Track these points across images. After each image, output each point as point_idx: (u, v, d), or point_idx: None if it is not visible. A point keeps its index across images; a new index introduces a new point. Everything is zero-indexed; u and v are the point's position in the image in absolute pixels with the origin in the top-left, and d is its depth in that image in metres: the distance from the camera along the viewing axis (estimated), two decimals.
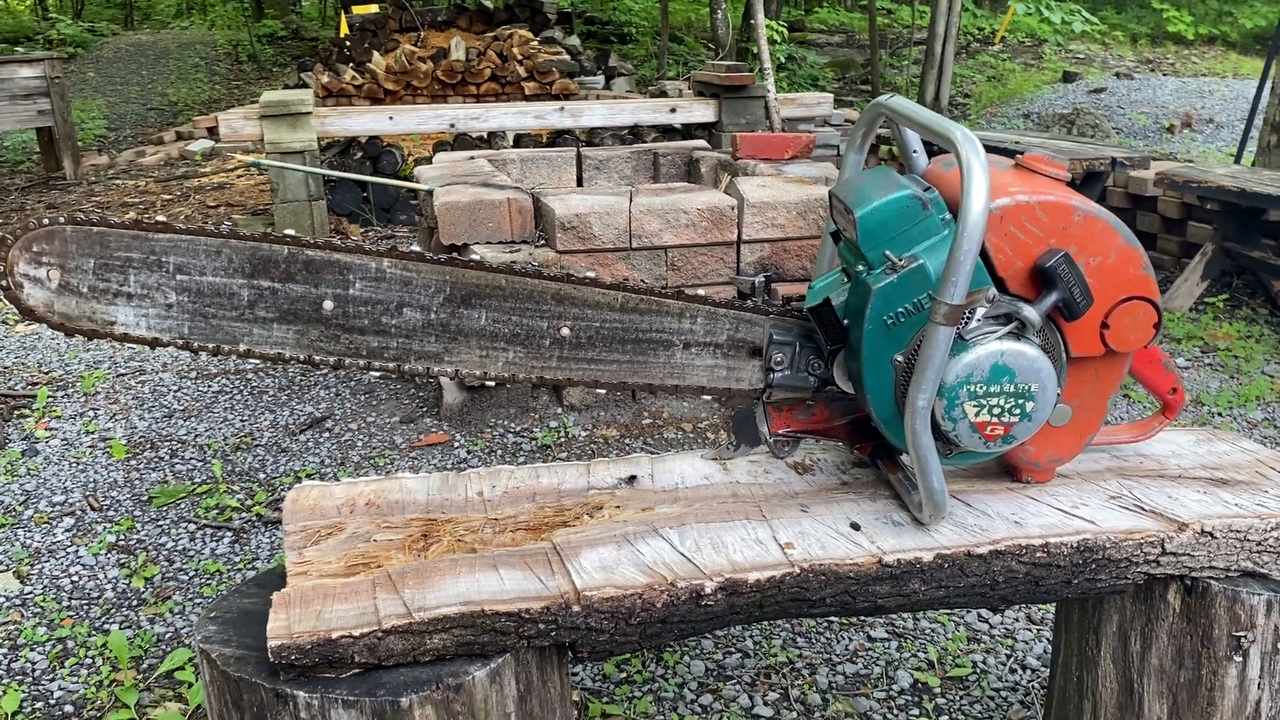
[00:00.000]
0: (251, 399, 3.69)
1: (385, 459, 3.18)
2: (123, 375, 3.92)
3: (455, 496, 1.52)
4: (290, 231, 1.42)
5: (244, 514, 2.84)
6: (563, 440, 3.30)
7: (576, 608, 1.25)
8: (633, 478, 1.55)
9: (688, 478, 1.55)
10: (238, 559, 2.61)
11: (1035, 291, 1.33)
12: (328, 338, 1.43)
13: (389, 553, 1.39)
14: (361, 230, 6.29)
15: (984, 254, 1.32)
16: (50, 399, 3.68)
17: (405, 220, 6.42)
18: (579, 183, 4.39)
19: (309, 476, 3.06)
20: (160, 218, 4.35)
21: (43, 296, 1.36)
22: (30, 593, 2.46)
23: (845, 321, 1.40)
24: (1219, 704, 1.48)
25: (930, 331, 1.24)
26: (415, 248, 1.93)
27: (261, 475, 3.07)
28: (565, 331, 1.46)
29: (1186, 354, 4.11)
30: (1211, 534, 1.40)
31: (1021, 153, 1.46)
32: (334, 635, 1.20)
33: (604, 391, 3.46)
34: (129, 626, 2.32)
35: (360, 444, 3.31)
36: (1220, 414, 3.56)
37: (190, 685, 2.09)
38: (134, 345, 2.52)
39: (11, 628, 2.32)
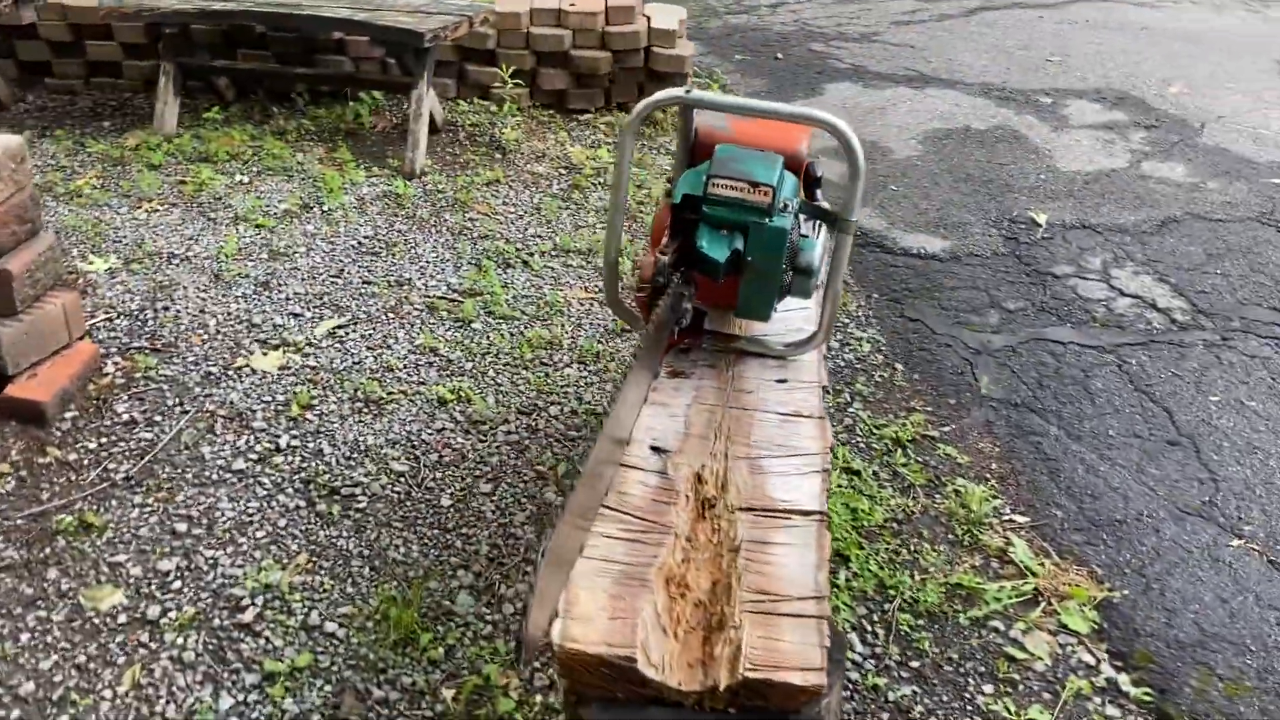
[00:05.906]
0: None
1: None
2: None
3: (627, 549, 1.66)
4: None
5: None
6: None
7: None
8: (655, 448, 1.88)
9: (674, 421, 1.96)
10: None
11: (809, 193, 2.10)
12: None
13: (678, 606, 1.59)
14: None
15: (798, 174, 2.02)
16: None
17: None
18: None
19: None
20: None
21: None
22: None
23: (749, 259, 1.95)
24: None
25: (842, 241, 1.95)
26: None
27: None
28: None
29: (272, 175, 4.51)
30: None
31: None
32: None
33: None
34: None
35: None
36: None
37: None
38: None
39: None
